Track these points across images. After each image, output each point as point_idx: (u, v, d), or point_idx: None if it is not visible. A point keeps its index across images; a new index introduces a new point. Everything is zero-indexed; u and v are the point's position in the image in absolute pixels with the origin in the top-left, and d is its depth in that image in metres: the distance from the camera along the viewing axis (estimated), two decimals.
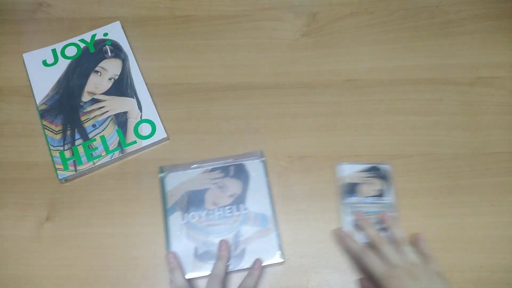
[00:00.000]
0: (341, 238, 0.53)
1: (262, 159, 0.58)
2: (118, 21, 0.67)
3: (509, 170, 0.58)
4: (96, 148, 0.59)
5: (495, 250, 0.54)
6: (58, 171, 0.58)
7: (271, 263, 0.53)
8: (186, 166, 0.58)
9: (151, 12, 0.69)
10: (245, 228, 0.55)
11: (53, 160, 0.59)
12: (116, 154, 0.59)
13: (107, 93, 0.63)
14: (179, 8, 0.70)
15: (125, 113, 0.62)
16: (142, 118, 0.61)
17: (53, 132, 0.60)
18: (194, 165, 0.58)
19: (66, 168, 0.58)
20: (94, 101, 0.62)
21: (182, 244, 0.54)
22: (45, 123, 0.61)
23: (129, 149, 0.60)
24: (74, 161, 0.59)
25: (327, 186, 0.58)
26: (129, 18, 0.69)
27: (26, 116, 0.63)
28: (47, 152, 0.60)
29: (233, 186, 0.57)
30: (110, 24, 0.67)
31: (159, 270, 0.54)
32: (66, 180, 0.58)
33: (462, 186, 0.57)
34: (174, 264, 0.52)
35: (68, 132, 0.60)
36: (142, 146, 0.60)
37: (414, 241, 0.52)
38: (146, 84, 0.63)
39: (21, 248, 0.55)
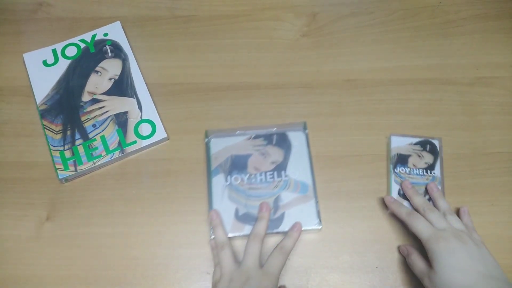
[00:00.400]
0: (390, 203, 0.54)
1: (306, 131, 0.59)
2: (119, 21, 0.67)
3: (509, 170, 0.58)
4: (96, 148, 0.59)
5: (495, 250, 0.54)
6: (58, 171, 0.58)
7: (309, 228, 0.54)
8: (230, 132, 0.59)
9: (151, 12, 0.69)
10: (285, 193, 0.56)
11: (53, 160, 0.59)
12: (116, 154, 0.59)
13: (107, 93, 0.63)
14: (179, 8, 0.70)
15: (125, 113, 0.62)
16: (142, 118, 0.61)
17: (53, 132, 0.60)
18: (238, 132, 0.59)
19: (66, 168, 0.58)
20: (94, 101, 0.62)
21: (224, 204, 0.56)
22: (45, 123, 0.61)
23: (129, 149, 0.60)
24: (74, 161, 0.59)
25: (326, 186, 0.58)
26: (129, 18, 0.69)
27: (26, 116, 0.63)
28: (47, 152, 0.60)
29: (275, 153, 0.58)
30: (110, 24, 0.67)
31: (159, 270, 0.54)
32: (66, 180, 0.58)
33: (462, 186, 0.58)
34: (217, 221, 0.54)
35: (68, 132, 0.60)
36: (142, 146, 0.60)
37: (458, 215, 0.54)
38: (146, 84, 0.63)
39: (21, 248, 0.55)
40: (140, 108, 0.62)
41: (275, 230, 0.54)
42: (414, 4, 0.69)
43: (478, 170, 0.58)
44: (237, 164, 0.58)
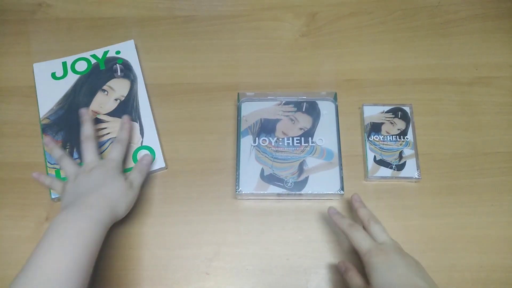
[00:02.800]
0: (332, 214, 0.52)
1: (336, 103, 0.60)
2: (132, 40, 0.66)
3: (508, 170, 0.58)
4: None
5: (495, 250, 0.54)
6: (51, 190, 0.56)
7: (332, 193, 0.56)
8: (261, 96, 0.61)
9: (151, 12, 0.69)
10: (310, 159, 0.58)
11: None
12: None
13: (111, 114, 0.61)
14: (179, 8, 0.70)
15: None
16: (143, 144, 0.60)
17: None
18: (269, 97, 0.61)
19: None
20: (97, 121, 0.61)
21: (251, 164, 0.58)
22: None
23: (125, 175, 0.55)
24: None
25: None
26: (129, 18, 0.69)
27: (26, 116, 0.63)
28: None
29: (304, 120, 0.60)
30: (123, 42, 0.66)
31: (159, 270, 0.54)
32: (59, 199, 0.57)
33: (462, 186, 0.58)
34: (86, 117, 0.56)
35: (67, 151, 0.59)
36: None
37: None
38: (151, 108, 0.62)
39: (21, 248, 0.55)
40: (142, 133, 0.60)
41: (298, 192, 0.56)
42: (414, 4, 0.69)
43: (477, 170, 0.58)
44: (266, 128, 0.60)
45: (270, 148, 0.58)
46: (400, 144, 0.59)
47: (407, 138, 0.59)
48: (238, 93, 0.61)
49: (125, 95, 0.62)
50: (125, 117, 0.57)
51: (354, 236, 0.48)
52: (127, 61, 0.65)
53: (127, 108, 0.62)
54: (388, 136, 0.59)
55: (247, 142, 0.59)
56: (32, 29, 0.68)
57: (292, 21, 0.69)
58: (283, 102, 0.61)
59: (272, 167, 0.57)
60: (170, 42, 0.67)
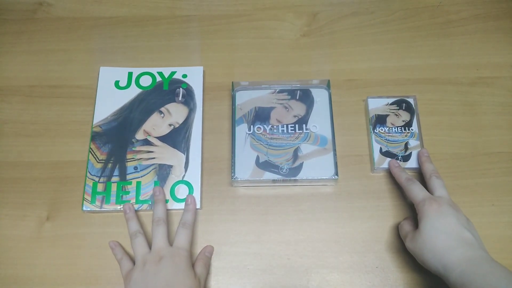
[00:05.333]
0: (393, 167, 0.56)
1: (330, 90, 0.61)
2: (202, 67, 0.64)
3: (510, 170, 0.58)
4: (128, 192, 0.57)
5: (495, 250, 0.54)
6: (84, 201, 0.56)
7: (326, 178, 0.56)
8: (255, 85, 0.62)
9: (151, 11, 0.69)
10: (305, 145, 0.59)
11: (84, 188, 0.57)
12: (145, 206, 0.56)
13: (161, 138, 0.59)
14: (179, 7, 0.70)
15: (170, 167, 0.58)
16: (184, 178, 0.57)
17: (95, 159, 0.58)
18: (263, 86, 0.62)
19: (93, 201, 0.56)
20: (146, 142, 0.59)
21: (246, 151, 0.58)
22: (92, 146, 0.59)
23: None
24: (103, 197, 0.56)
25: (326, 187, 0.58)
26: (129, 18, 0.69)
27: (26, 116, 0.62)
28: (47, 151, 0.60)
29: (298, 108, 0.61)
30: (193, 67, 0.64)
31: None
32: (90, 212, 0.57)
33: (463, 186, 0.57)
34: (130, 214, 0.54)
35: (109, 165, 0.58)
36: (172, 208, 0.56)
37: None
38: (202, 143, 0.60)
39: (21, 248, 0.55)
40: (186, 167, 0.58)
41: (293, 178, 0.56)
42: (415, 4, 0.69)
43: (478, 170, 0.58)
44: (260, 116, 0.60)
45: (265, 136, 0.59)
46: (406, 136, 0.59)
47: (412, 129, 0.59)
48: (232, 82, 0.61)
49: (180, 122, 0.60)
50: (190, 197, 0.55)
51: (410, 188, 0.51)
52: (191, 87, 0.62)
53: (179, 136, 0.59)
54: (393, 128, 0.60)
55: (242, 130, 0.59)
56: (32, 29, 0.68)
57: (293, 21, 0.68)
58: (277, 90, 0.62)
59: (267, 154, 0.58)
60: (170, 41, 0.67)
